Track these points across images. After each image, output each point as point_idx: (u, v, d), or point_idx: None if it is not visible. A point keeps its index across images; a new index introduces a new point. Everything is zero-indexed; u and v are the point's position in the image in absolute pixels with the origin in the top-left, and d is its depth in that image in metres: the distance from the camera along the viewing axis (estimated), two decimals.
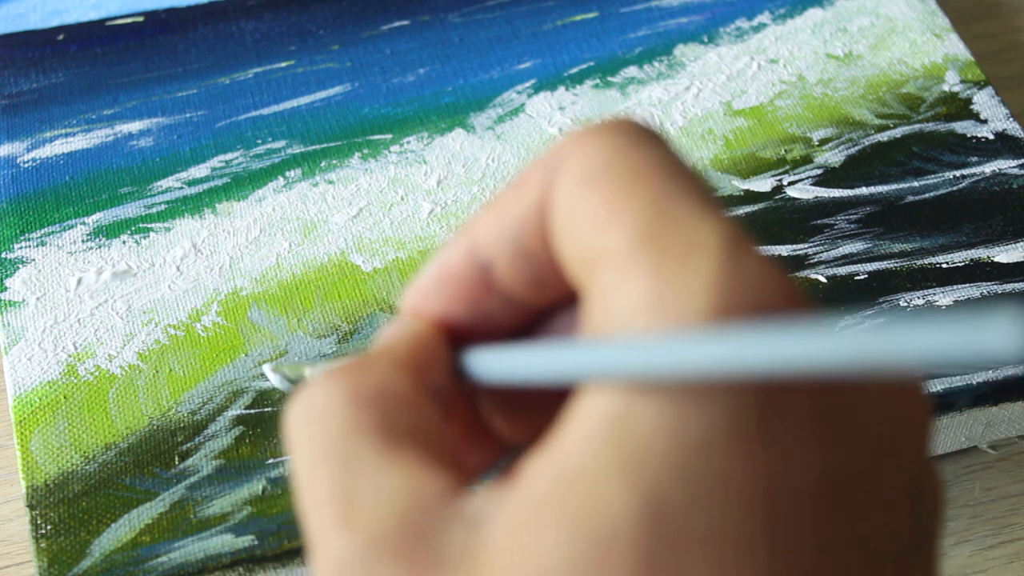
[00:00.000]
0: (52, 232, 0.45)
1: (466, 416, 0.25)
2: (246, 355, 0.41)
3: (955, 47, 0.50)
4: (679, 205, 0.20)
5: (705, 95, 0.49)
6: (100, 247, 0.44)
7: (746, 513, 0.18)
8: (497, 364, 0.22)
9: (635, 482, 0.18)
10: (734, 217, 0.20)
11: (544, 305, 0.23)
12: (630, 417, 0.18)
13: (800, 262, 0.43)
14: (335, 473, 0.21)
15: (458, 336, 0.24)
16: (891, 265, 0.43)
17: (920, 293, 0.42)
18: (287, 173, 0.46)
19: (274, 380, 0.30)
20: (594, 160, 0.21)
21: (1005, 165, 0.46)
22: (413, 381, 0.22)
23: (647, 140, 0.21)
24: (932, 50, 0.50)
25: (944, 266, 0.43)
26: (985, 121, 0.47)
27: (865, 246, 0.44)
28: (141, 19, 0.52)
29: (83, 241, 0.44)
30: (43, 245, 0.44)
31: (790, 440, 0.18)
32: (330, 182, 0.46)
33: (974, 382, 0.40)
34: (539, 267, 0.22)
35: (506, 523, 0.19)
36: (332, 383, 0.22)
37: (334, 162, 0.47)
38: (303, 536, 0.36)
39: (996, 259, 0.43)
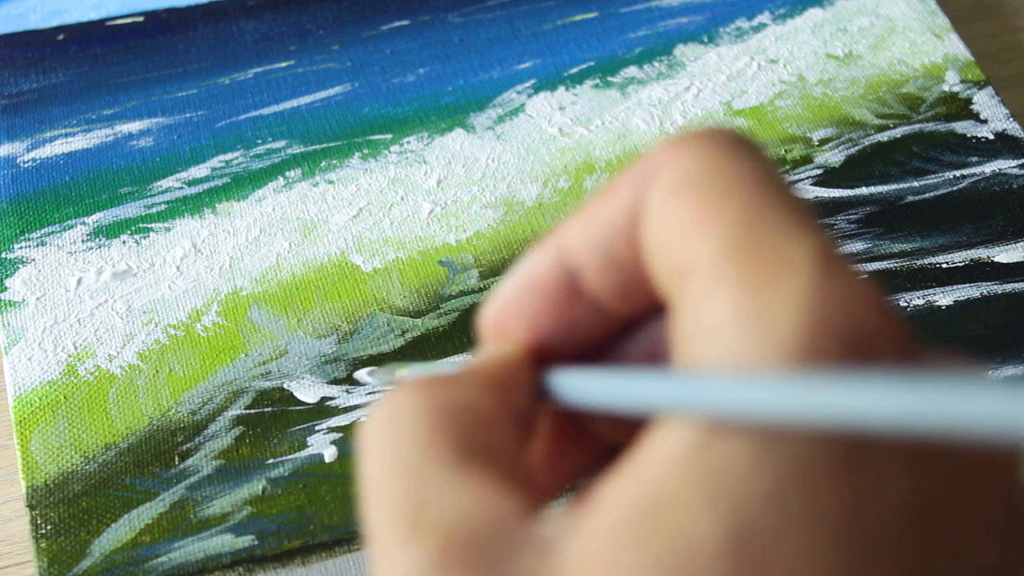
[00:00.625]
0: (52, 232, 0.45)
1: (548, 434, 0.25)
2: (246, 355, 0.41)
3: (955, 47, 0.50)
4: (772, 219, 0.20)
5: (705, 95, 0.49)
6: (100, 247, 0.44)
7: (833, 539, 0.17)
8: (582, 388, 0.22)
9: (720, 508, 0.17)
10: (829, 232, 0.20)
11: (632, 315, 0.23)
12: (715, 444, 0.18)
13: None
14: (408, 482, 0.20)
15: (544, 345, 0.24)
16: (891, 265, 0.43)
17: (920, 293, 0.42)
18: (287, 173, 0.46)
19: (370, 383, 0.30)
20: (688, 169, 0.21)
21: (1005, 165, 0.46)
22: (497, 402, 0.22)
23: (742, 151, 0.21)
24: (932, 50, 0.50)
25: (944, 266, 0.43)
26: (985, 121, 0.47)
27: (865, 246, 0.44)
28: (141, 19, 0.52)
29: (83, 241, 0.44)
30: (43, 245, 0.44)
31: (879, 466, 0.18)
32: (330, 182, 0.46)
33: None
34: (628, 276, 0.22)
35: (581, 548, 0.19)
36: (416, 393, 0.22)
37: (334, 162, 0.47)
38: (303, 536, 0.36)
39: (996, 259, 0.43)
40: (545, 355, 0.23)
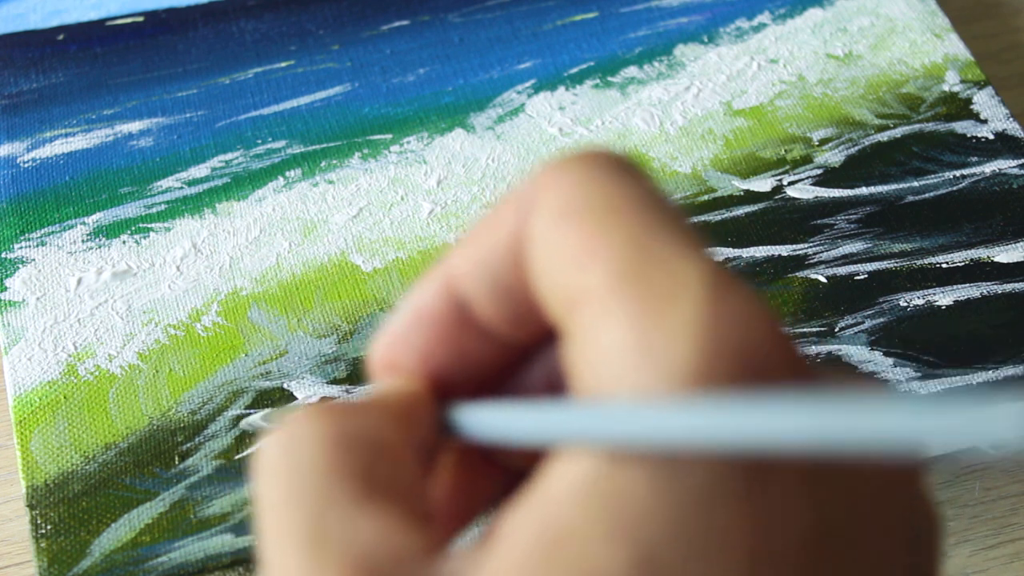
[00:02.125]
0: (52, 232, 0.45)
1: (453, 467, 0.24)
2: (246, 355, 0.41)
3: (955, 47, 0.50)
4: (660, 242, 0.19)
5: (705, 95, 0.49)
6: (100, 247, 0.44)
7: (736, 566, 0.17)
8: (485, 423, 0.22)
9: (623, 538, 0.17)
10: (715, 257, 0.19)
11: (526, 341, 0.23)
12: (615, 473, 0.18)
13: (800, 262, 0.43)
14: (309, 511, 0.20)
15: (439, 377, 0.23)
16: (891, 265, 0.43)
17: (920, 293, 0.42)
18: (287, 173, 0.46)
19: (264, 427, 0.29)
20: (571, 193, 0.20)
21: (1005, 165, 0.46)
22: (400, 435, 0.21)
23: (625, 173, 0.20)
24: (932, 50, 0.50)
25: (944, 266, 0.43)
26: (985, 121, 0.47)
27: (865, 246, 0.44)
28: (141, 19, 0.52)
29: (83, 241, 0.44)
30: (43, 245, 0.44)
31: (780, 493, 0.18)
32: (330, 182, 0.46)
33: (974, 382, 0.40)
34: (518, 303, 0.21)
35: None
36: (318, 421, 0.21)
37: (334, 162, 0.47)
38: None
39: (996, 259, 0.43)
40: (441, 387, 0.23)
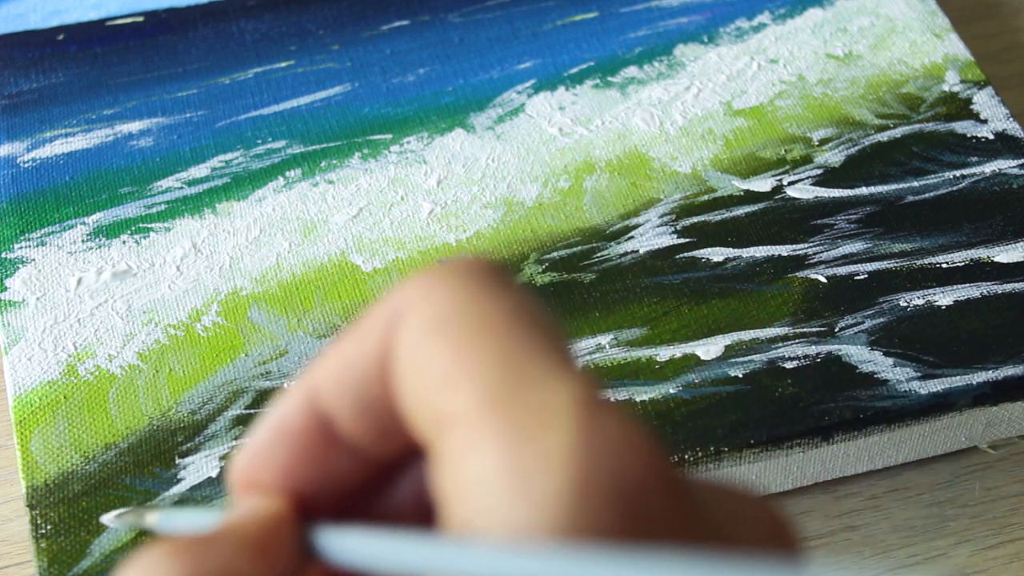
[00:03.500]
0: (52, 232, 0.45)
1: None
2: (246, 355, 0.41)
3: (955, 47, 0.50)
4: (531, 361, 0.18)
5: (705, 95, 0.49)
6: (100, 247, 0.44)
7: None
8: (350, 549, 0.21)
9: None
10: (586, 371, 0.19)
11: (392, 457, 0.22)
12: None
13: (800, 262, 0.43)
14: None
15: (301, 495, 0.22)
16: (891, 265, 0.43)
17: (920, 293, 0.42)
18: (287, 173, 0.46)
19: (113, 524, 0.28)
20: (438, 308, 0.19)
21: (1005, 165, 0.46)
22: (258, 566, 0.21)
23: (496, 285, 0.20)
24: (932, 50, 0.50)
25: (944, 266, 0.43)
26: (985, 121, 0.47)
27: (865, 246, 0.44)
28: (141, 19, 0.52)
29: (83, 241, 0.44)
30: (43, 245, 0.44)
31: None
32: (330, 182, 0.46)
33: (974, 382, 0.40)
34: (384, 418, 0.21)
35: None
36: (172, 560, 0.20)
37: (334, 162, 0.47)
38: None
39: (996, 259, 0.43)
40: (304, 506, 0.22)
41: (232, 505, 0.22)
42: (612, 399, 0.19)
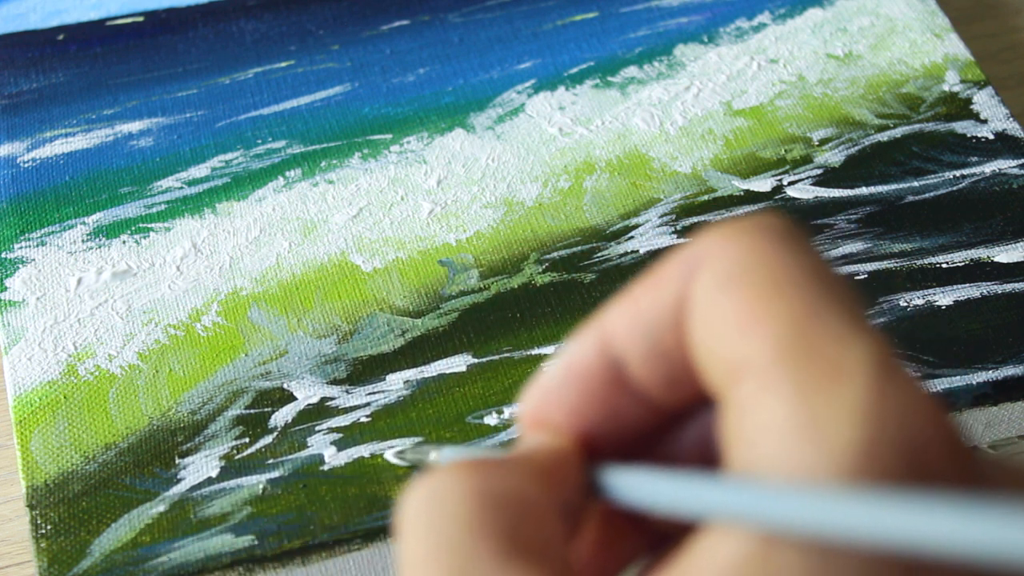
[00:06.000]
0: (52, 232, 0.45)
1: (597, 526, 0.24)
2: (246, 355, 0.41)
3: (955, 47, 0.50)
4: (825, 318, 0.19)
5: (705, 95, 0.49)
6: (100, 247, 0.44)
7: None
8: (636, 489, 0.21)
9: None
10: (882, 334, 0.19)
11: (678, 406, 0.22)
12: (769, 556, 0.18)
13: None
14: (450, 570, 0.19)
15: (587, 437, 0.23)
16: (891, 265, 0.43)
17: (920, 293, 0.42)
18: (287, 173, 0.46)
19: (394, 460, 0.28)
20: (736, 261, 0.20)
21: (1005, 165, 0.46)
22: (546, 494, 0.21)
23: (792, 243, 0.20)
24: (932, 50, 0.50)
25: (944, 266, 0.43)
26: (985, 121, 0.47)
27: (865, 246, 0.44)
28: (141, 19, 0.52)
29: (83, 241, 0.44)
30: (43, 245, 0.44)
31: None
32: (330, 182, 0.46)
33: (974, 382, 0.40)
34: (675, 366, 0.21)
35: None
36: (463, 476, 0.21)
37: (334, 162, 0.47)
38: (303, 536, 0.36)
39: (996, 259, 0.43)
40: (589, 447, 0.23)
41: (520, 441, 0.23)
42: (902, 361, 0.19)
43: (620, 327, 0.22)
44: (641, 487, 0.21)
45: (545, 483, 0.21)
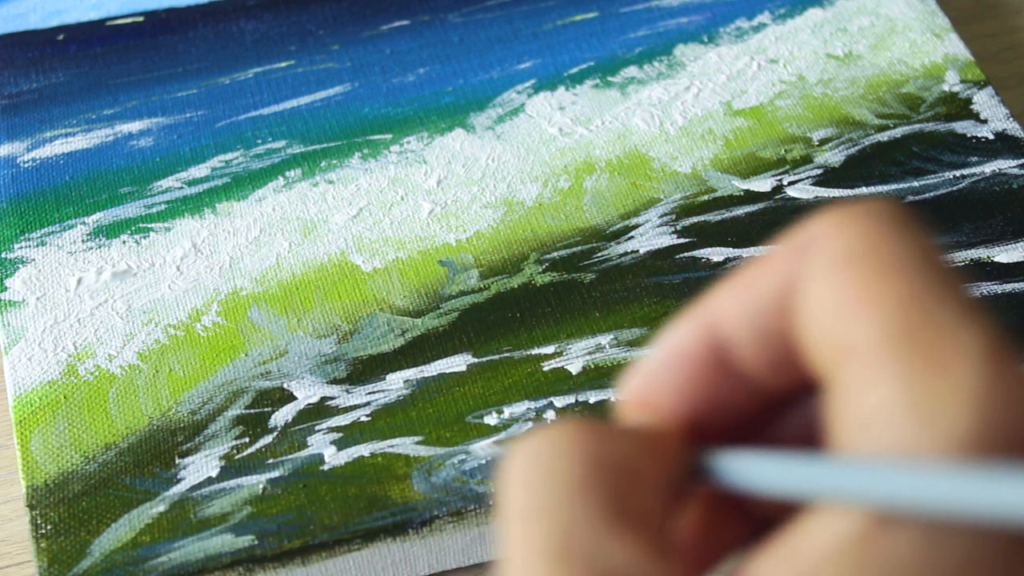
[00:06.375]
0: (52, 232, 0.45)
1: (699, 507, 0.24)
2: (246, 355, 0.41)
3: (955, 47, 0.50)
4: (938, 304, 0.19)
5: (705, 95, 0.49)
6: (100, 247, 0.44)
7: None
8: (742, 472, 0.21)
9: None
10: (993, 324, 0.19)
11: (782, 391, 0.22)
12: (880, 536, 0.18)
13: None
14: (556, 527, 0.19)
15: (691, 420, 0.23)
16: None
17: None
18: (287, 173, 0.46)
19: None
20: (848, 244, 0.20)
21: (1005, 165, 0.46)
22: (653, 467, 0.21)
23: (904, 228, 0.20)
24: (932, 50, 0.50)
25: None
26: (985, 121, 0.47)
27: None
28: (141, 19, 0.52)
29: (83, 241, 0.44)
30: (43, 245, 0.44)
31: None
32: (330, 182, 0.46)
33: None
34: (780, 349, 0.21)
35: None
36: (576, 436, 0.21)
37: (334, 162, 0.47)
38: (303, 536, 0.36)
39: (996, 259, 0.43)
40: (692, 430, 0.22)
41: (624, 421, 0.23)
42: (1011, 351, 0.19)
43: (727, 310, 0.21)
44: (748, 468, 0.21)
45: (652, 456, 0.21)
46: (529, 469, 0.20)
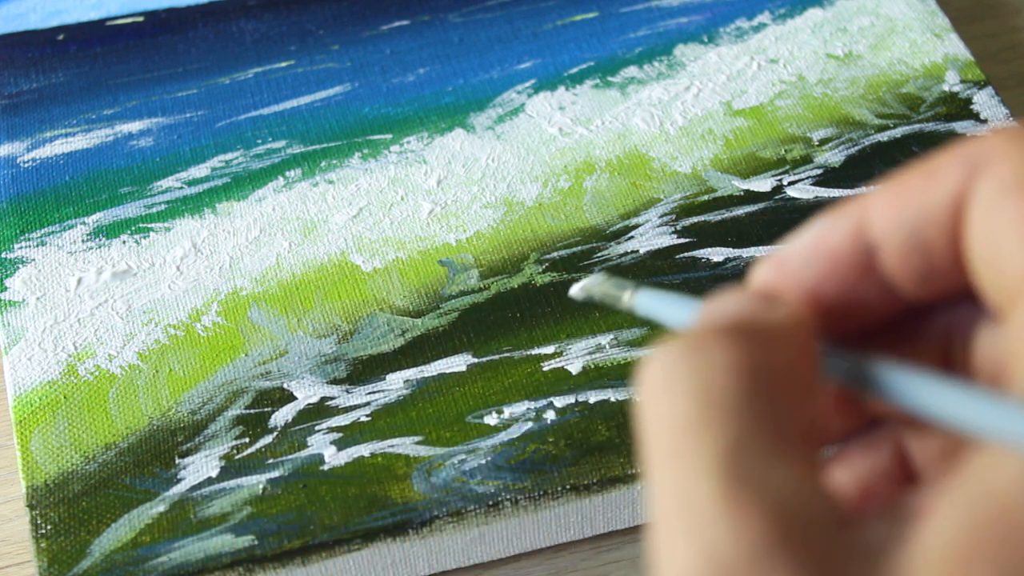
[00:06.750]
0: (52, 232, 0.45)
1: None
2: (246, 355, 0.41)
3: (955, 47, 0.50)
4: None
5: (705, 95, 0.49)
6: (100, 247, 0.44)
7: None
8: (896, 386, 0.20)
9: None
10: None
11: (924, 300, 0.21)
12: None
13: None
14: (724, 445, 0.18)
15: (820, 317, 0.21)
16: None
17: None
18: (287, 173, 0.46)
19: (579, 295, 0.26)
20: None
21: None
22: (806, 370, 0.20)
23: None
24: (932, 50, 0.50)
25: None
26: (985, 121, 0.47)
27: None
28: (141, 19, 0.52)
29: (83, 241, 0.44)
30: (43, 245, 0.44)
31: None
32: (330, 182, 0.46)
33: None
34: (934, 263, 0.20)
35: (920, 561, 0.17)
36: (731, 347, 0.19)
37: (334, 162, 0.47)
38: (303, 536, 0.36)
39: None
40: (821, 326, 0.21)
41: (748, 304, 0.21)
42: None
43: (881, 213, 0.21)
44: (920, 390, 0.20)
45: (804, 360, 0.20)
46: (684, 379, 0.19)
